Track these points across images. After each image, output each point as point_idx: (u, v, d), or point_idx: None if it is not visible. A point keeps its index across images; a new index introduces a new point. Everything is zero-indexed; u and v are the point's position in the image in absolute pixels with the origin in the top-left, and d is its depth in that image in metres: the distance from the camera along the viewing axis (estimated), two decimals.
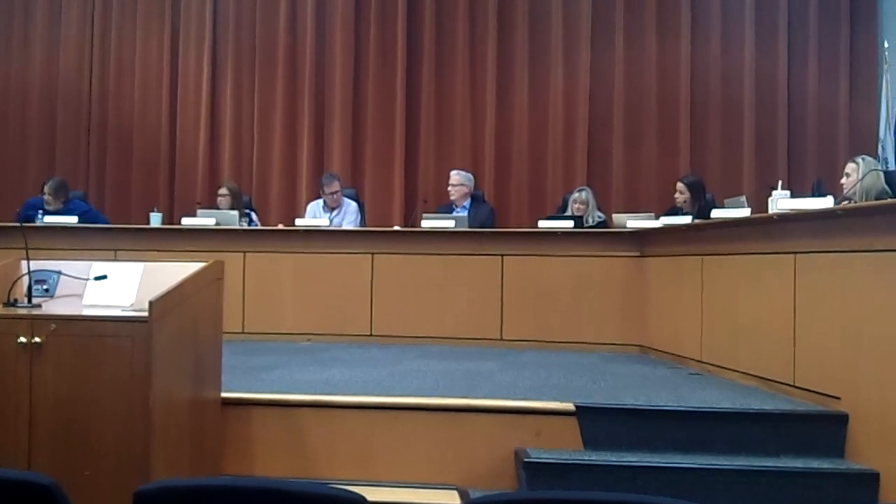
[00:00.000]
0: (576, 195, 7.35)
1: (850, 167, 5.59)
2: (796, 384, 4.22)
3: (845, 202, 5.09)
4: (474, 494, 3.65)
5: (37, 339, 3.17)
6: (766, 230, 4.64)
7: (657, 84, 8.81)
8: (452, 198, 7.47)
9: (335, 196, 7.44)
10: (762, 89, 8.69)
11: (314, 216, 7.43)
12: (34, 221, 6.92)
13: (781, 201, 4.60)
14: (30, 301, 3.51)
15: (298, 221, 7.09)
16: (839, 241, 3.94)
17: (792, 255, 4.30)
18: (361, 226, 7.43)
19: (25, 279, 3.58)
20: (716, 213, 5.39)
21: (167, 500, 1.69)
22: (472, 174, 7.77)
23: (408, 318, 6.54)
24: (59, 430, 3.15)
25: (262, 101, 9.13)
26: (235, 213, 7.02)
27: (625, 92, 8.81)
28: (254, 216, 7.52)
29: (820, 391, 4.02)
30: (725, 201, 5.75)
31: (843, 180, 5.59)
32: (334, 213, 7.44)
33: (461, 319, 6.52)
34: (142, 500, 1.66)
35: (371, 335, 6.56)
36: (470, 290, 6.55)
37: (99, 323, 3.27)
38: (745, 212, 5.15)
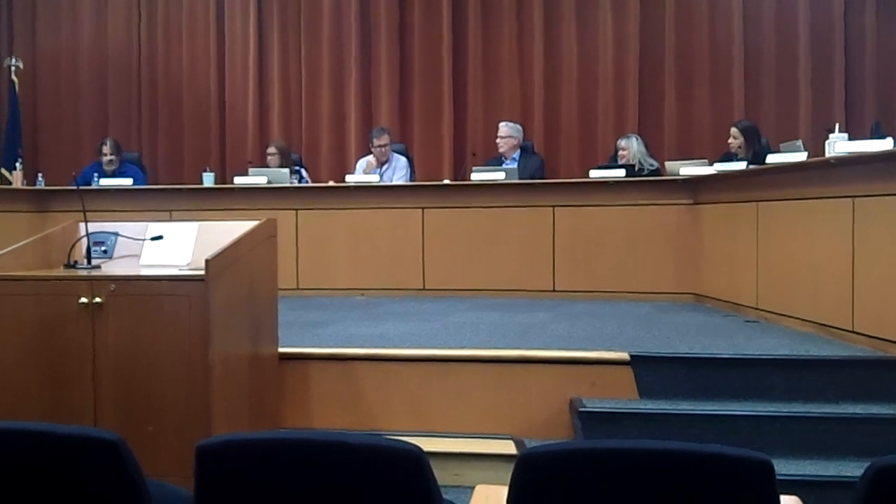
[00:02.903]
0: (620, 142, 7.24)
1: None
2: (855, 330, 4.16)
3: None
4: (530, 444, 3.67)
5: (97, 300, 3.24)
6: (823, 174, 4.54)
7: (708, 28, 8.58)
8: (501, 150, 7.40)
9: (384, 150, 7.42)
10: (818, 30, 8.41)
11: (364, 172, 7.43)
12: (90, 185, 7.03)
13: (839, 144, 4.48)
14: (89, 262, 3.59)
15: (349, 178, 7.11)
16: None
17: (850, 199, 4.21)
18: (411, 180, 7.41)
19: (84, 241, 3.66)
20: (771, 158, 5.28)
21: (229, 453, 1.72)
22: (521, 125, 7.67)
23: (460, 272, 6.55)
24: (122, 387, 3.24)
25: (309, 58, 9.11)
26: (286, 171, 7.05)
27: (676, 37, 8.58)
28: (304, 173, 7.54)
29: (879, 336, 3.95)
30: (781, 146, 5.62)
31: None
32: (384, 167, 7.43)
33: (513, 271, 6.51)
34: (204, 454, 1.70)
35: (423, 289, 6.59)
36: (521, 242, 6.53)
37: (157, 282, 3.33)
38: (801, 156, 5.03)
